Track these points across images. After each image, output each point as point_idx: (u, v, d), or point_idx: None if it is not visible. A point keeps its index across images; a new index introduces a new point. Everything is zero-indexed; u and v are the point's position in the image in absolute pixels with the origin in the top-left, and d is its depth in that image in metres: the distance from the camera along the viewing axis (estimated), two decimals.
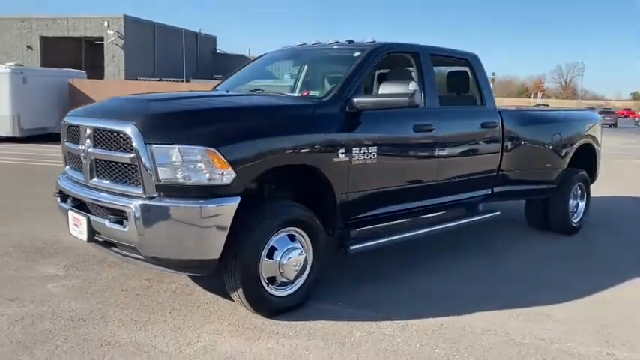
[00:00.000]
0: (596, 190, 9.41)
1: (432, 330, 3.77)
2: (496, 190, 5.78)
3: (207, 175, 3.44)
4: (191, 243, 3.50)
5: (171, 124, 3.58)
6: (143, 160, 3.44)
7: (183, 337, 3.52)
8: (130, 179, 3.60)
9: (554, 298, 4.45)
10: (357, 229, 4.44)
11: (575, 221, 6.72)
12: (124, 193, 3.61)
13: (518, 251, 5.90)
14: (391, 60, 4.93)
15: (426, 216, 5.05)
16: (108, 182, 3.76)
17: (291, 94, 4.50)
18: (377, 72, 5.76)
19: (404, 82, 4.19)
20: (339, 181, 4.12)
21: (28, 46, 38.64)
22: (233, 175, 3.49)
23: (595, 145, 6.98)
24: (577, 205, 6.85)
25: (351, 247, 4.29)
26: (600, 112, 50.13)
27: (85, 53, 40.49)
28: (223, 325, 3.73)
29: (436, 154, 4.88)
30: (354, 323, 3.83)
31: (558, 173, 6.37)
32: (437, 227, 5.08)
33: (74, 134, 4.07)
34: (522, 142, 5.90)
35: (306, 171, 4.02)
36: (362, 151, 4.21)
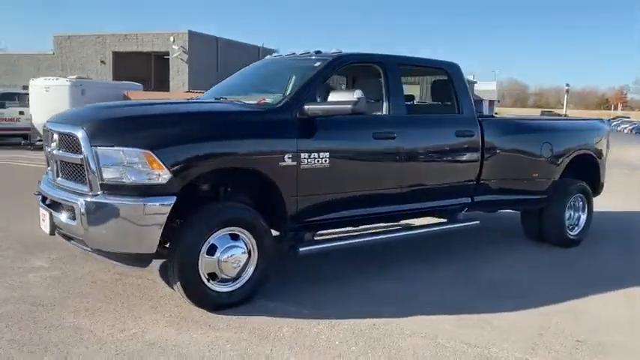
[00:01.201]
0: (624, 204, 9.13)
1: (361, 330, 3.87)
2: (477, 199, 5.75)
3: (145, 175, 3.75)
4: (128, 237, 3.81)
5: (113, 128, 3.92)
6: (89, 160, 3.80)
7: (121, 325, 3.81)
8: (80, 178, 3.97)
9: (509, 305, 4.42)
10: (311, 232, 4.62)
11: (573, 234, 6.54)
12: (76, 191, 3.98)
13: (504, 259, 5.87)
14: (356, 70, 5.08)
15: (390, 222, 5.13)
16: (67, 181, 4.14)
17: (247, 102, 4.74)
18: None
19: (351, 90, 4.34)
20: (286, 185, 4.30)
21: (102, 61, 41.07)
22: (169, 175, 3.77)
23: (596, 157, 6.73)
24: (578, 217, 6.67)
25: (301, 249, 4.47)
26: None
27: (154, 67, 42.60)
28: (164, 316, 3.99)
29: (398, 161, 4.96)
30: (289, 320, 3.98)
31: (550, 184, 6.24)
32: (399, 234, 5.17)
33: (48, 138, 4.49)
34: (505, 151, 5.81)
35: (254, 174, 4.25)
36: (312, 156, 4.37)
